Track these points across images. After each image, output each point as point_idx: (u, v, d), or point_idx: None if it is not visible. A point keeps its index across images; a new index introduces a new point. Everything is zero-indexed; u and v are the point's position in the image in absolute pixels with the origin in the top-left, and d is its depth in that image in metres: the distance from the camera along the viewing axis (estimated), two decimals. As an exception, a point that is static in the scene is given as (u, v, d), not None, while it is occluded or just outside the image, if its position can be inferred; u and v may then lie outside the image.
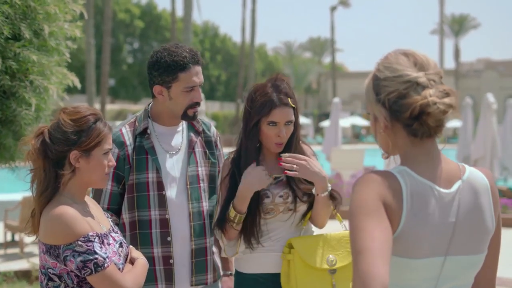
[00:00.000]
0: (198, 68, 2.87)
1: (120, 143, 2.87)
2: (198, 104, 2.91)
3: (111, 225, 2.47)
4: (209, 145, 3.08)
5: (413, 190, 1.66)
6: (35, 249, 8.96)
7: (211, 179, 3.04)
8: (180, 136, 3.00)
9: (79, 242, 2.19)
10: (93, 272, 2.19)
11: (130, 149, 2.89)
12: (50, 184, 2.29)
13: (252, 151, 2.85)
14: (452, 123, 42.46)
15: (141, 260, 2.44)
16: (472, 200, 1.74)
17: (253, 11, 45.56)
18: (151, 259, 2.83)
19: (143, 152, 2.90)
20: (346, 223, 2.84)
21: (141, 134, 2.92)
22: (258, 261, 2.86)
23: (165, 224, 2.87)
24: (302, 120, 43.19)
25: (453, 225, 1.69)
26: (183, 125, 3.03)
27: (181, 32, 34.12)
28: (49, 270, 2.26)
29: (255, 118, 2.83)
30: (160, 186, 2.87)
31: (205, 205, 2.98)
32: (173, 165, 2.93)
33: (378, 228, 1.56)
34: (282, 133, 2.81)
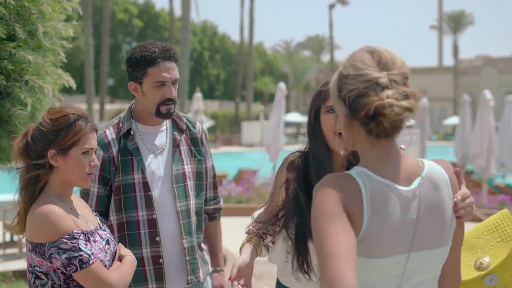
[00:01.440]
0: (170, 64, 2.86)
1: (104, 145, 2.88)
2: (170, 100, 2.89)
3: (98, 223, 2.48)
4: (195, 142, 3.06)
5: (372, 191, 1.67)
6: (34, 249, 8.96)
7: (198, 176, 3.03)
8: (164, 135, 2.99)
9: (64, 240, 2.20)
10: (78, 269, 2.21)
11: (114, 150, 2.89)
12: (33, 183, 2.30)
13: (321, 153, 2.51)
14: (451, 120, 42.48)
15: (129, 257, 2.45)
16: (433, 195, 1.75)
17: (251, 10, 45.56)
18: (140, 260, 2.83)
19: (127, 153, 2.90)
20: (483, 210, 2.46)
21: (125, 135, 2.92)
22: (298, 282, 2.59)
23: (153, 224, 2.87)
24: (301, 118, 43.20)
25: (415, 221, 1.71)
26: (167, 124, 3.02)
27: (179, 32, 34.11)
28: (35, 268, 2.28)
29: (313, 111, 2.57)
30: (146, 187, 2.87)
31: (193, 203, 2.97)
32: (158, 165, 2.93)
33: (342, 233, 1.57)
34: None
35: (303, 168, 2.54)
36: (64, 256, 2.20)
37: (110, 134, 2.92)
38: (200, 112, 19.86)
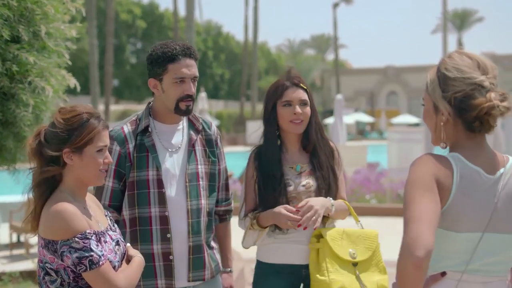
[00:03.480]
0: (190, 61, 2.91)
1: (121, 141, 2.93)
2: (189, 97, 2.93)
3: (109, 224, 2.51)
4: (210, 144, 3.10)
5: (462, 172, 1.92)
6: (40, 250, 8.98)
7: (211, 177, 3.07)
8: (180, 134, 3.03)
9: (76, 239, 2.24)
10: (88, 269, 2.24)
11: (131, 146, 2.94)
12: (47, 182, 2.33)
13: (272, 135, 3.05)
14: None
15: (138, 258, 2.49)
16: None
17: (255, 9, 45.59)
18: (151, 256, 2.87)
19: (144, 150, 2.94)
20: (362, 222, 3.06)
21: (143, 132, 2.97)
22: (279, 251, 3.01)
23: (164, 221, 2.90)
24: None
25: (494, 205, 1.94)
26: (183, 123, 3.06)
27: (183, 32, 34.15)
28: (46, 264, 2.31)
29: (271, 103, 3.05)
30: (160, 184, 2.91)
31: (204, 202, 3.00)
32: (173, 163, 2.96)
33: (429, 201, 1.81)
34: (297, 110, 2.99)
35: (259, 152, 3.11)
36: (75, 255, 2.23)
37: (128, 130, 2.97)
38: (205, 112, 19.89)
